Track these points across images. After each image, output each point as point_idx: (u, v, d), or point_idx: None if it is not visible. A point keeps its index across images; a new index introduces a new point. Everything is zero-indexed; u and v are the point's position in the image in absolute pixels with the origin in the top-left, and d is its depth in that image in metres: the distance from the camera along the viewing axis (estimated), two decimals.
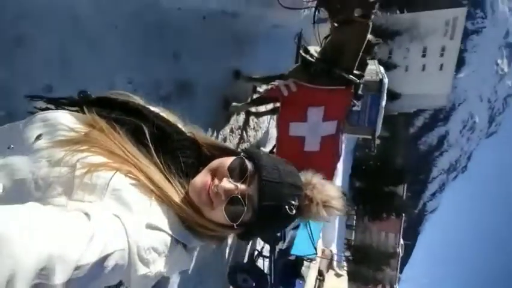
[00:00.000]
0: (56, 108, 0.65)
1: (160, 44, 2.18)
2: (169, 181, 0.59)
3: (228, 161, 0.62)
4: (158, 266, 0.53)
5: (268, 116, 4.09)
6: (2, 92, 1.34)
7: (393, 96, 27.08)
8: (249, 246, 4.31)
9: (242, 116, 3.64)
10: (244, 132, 3.80)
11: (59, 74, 1.55)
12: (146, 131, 0.61)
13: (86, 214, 0.45)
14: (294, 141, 2.70)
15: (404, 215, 29.65)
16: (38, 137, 0.57)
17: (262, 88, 3.43)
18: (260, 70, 3.19)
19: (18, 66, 1.36)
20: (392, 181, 27.05)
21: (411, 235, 58.02)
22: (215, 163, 0.63)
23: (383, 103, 7.96)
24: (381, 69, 8.14)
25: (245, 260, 4.05)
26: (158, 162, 0.60)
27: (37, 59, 1.44)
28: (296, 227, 4.41)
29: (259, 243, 4.47)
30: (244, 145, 3.90)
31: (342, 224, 21.99)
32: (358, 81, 2.45)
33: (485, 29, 68.05)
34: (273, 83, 2.67)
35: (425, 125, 64.62)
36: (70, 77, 1.59)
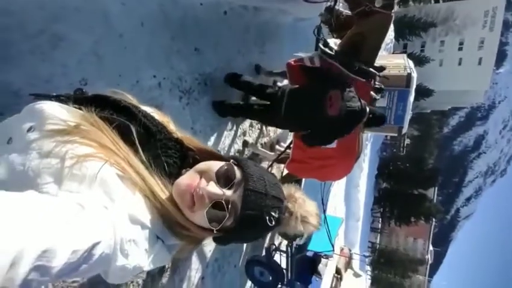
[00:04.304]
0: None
1: (183, 39, 2.27)
2: (153, 178, 0.60)
3: (216, 165, 0.62)
4: (137, 258, 0.54)
5: None
6: (47, 87, 1.49)
7: (425, 93, 25.49)
8: (266, 240, 4.35)
9: None
10: (263, 127, 3.84)
11: (94, 69, 1.69)
12: (133, 129, 0.63)
13: (80, 204, 0.47)
14: None
15: (434, 219, 27.99)
16: (30, 129, 0.59)
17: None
18: (282, 64, 3.19)
19: (56, 64, 1.50)
20: (421, 183, 25.52)
21: (443, 242, 54.56)
22: (202, 166, 0.63)
23: (411, 98, 7.52)
24: (411, 63, 7.72)
25: (262, 254, 4.10)
26: (144, 159, 0.61)
27: (73, 56, 1.58)
28: None
29: (278, 238, 4.50)
30: (264, 139, 3.94)
31: (366, 227, 21.21)
32: (378, 74, 2.38)
33: None
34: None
35: (461, 124, 60.14)
36: (103, 72, 1.73)
